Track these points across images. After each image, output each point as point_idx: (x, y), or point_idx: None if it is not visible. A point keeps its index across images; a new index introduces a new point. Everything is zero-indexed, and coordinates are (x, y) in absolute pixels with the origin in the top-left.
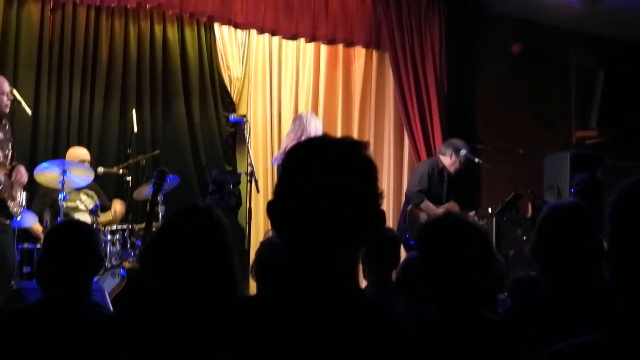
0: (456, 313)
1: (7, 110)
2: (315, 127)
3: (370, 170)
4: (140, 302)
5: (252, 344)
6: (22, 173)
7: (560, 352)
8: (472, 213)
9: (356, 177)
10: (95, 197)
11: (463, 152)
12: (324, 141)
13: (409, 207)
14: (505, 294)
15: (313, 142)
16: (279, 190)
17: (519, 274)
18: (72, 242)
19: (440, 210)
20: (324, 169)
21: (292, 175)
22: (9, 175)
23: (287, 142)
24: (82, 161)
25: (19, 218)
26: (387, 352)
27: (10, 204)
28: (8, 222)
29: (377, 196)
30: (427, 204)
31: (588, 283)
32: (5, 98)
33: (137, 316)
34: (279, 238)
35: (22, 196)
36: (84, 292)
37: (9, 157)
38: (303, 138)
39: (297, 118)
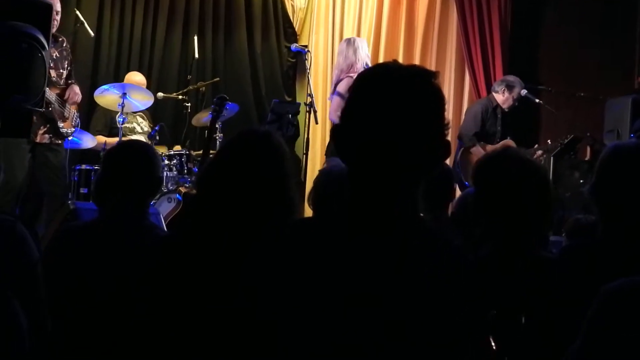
0: (512, 250)
1: (55, 29)
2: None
3: (438, 100)
4: (197, 224)
5: (309, 265)
6: (75, 92)
7: (619, 288)
8: (537, 148)
9: (424, 106)
10: (150, 121)
11: (524, 92)
12: (394, 68)
13: (461, 150)
14: (563, 234)
15: (382, 68)
16: (345, 115)
17: (579, 216)
18: (131, 161)
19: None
20: (393, 96)
21: (360, 101)
22: (61, 94)
23: (339, 67)
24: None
25: (70, 138)
26: (446, 280)
27: (61, 124)
28: (60, 142)
29: (443, 126)
30: (477, 149)
31: None
32: (58, 17)
33: (194, 238)
34: (343, 163)
35: (74, 115)
36: (141, 212)
37: (64, 76)
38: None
39: (347, 42)
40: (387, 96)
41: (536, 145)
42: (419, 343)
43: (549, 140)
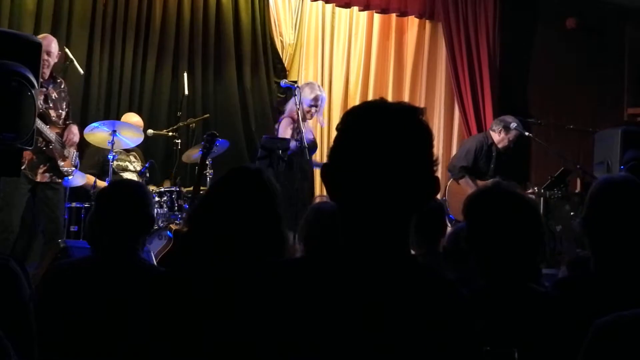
0: (505, 284)
1: (49, 69)
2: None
3: (426, 136)
4: (189, 261)
5: (300, 304)
6: (73, 132)
7: (612, 322)
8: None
9: (412, 143)
10: (141, 158)
11: (514, 125)
12: (381, 105)
13: (449, 182)
14: (562, 267)
15: (370, 106)
16: (334, 153)
17: (578, 249)
18: (124, 200)
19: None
20: (380, 133)
21: (348, 139)
22: (61, 134)
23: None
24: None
25: (71, 177)
26: (439, 317)
27: (61, 163)
28: (60, 180)
29: (432, 162)
30: (466, 180)
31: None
32: (50, 59)
33: (185, 275)
34: (333, 202)
35: (74, 155)
36: (134, 250)
37: (63, 116)
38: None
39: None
40: (375, 134)
41: (530, 190)
42: None
43: (535, 188)
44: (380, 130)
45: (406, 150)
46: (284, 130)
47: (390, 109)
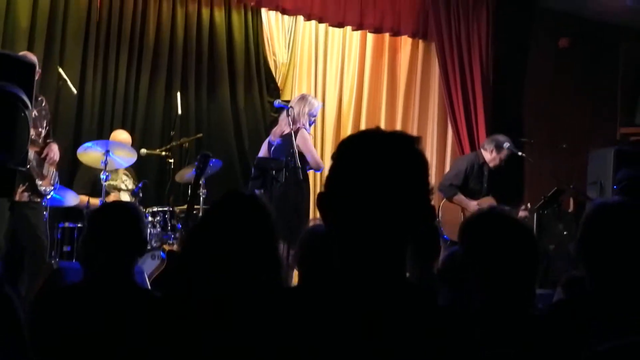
0: (500, 308)
1: None
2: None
3: (421, 165)
4: (183, 284)
5: (298, 328)
6: (54, 151)
7: (608, 353)
8: (522, 209)
9: (408, 171)
10: (135, 178)
11: (506, 144)
12: (377, 134)
13: (442, 202)
14: (558, 288)
15: (365, 135)
16: (330, 181)
17: (575, 271)
18: (117, 222)
19: (474, 203)
20: (377, 161)
21: (344, 167)
22: (40, 152)
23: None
24: None
25: (49, 197)
26: (436, 340)
27: (39, 182)
28: (38, 200)
29: (427, 191)
30: (460, 197)
31: (636, 283)
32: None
33: (180, 299)
34: (328, 229)
35: (53, 174)
36: (128, 273)
37: (43, 135)
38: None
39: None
40: (371, 162)
41: (523, 206)
42: None
43: (528, 204)
44: (376, 159)
45: (402, 179)
46: (311, 143)
47: (386, 138)
